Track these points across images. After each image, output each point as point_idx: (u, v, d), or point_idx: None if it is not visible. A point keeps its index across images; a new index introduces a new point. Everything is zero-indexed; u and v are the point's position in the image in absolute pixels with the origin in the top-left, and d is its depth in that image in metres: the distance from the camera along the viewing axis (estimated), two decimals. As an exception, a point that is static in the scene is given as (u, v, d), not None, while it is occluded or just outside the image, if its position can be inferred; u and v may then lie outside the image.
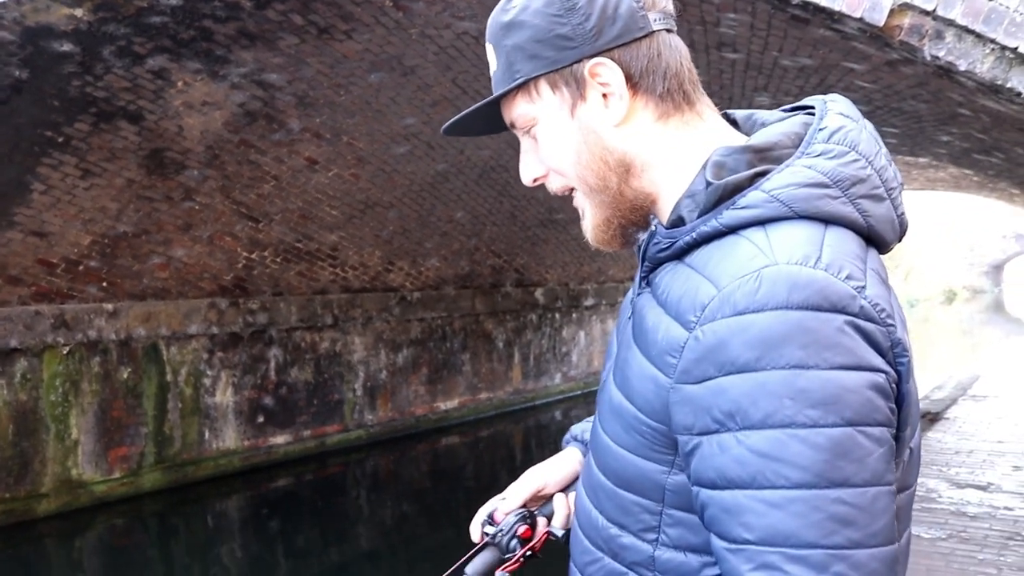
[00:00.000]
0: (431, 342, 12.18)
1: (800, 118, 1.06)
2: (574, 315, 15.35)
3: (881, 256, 1.05)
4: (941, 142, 6.97)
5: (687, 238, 1.01)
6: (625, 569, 1.08)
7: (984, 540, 5.22)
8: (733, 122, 1.15)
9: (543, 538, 1.29)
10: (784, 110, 1.12)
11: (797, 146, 1.01)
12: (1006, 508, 5.87)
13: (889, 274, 1.05)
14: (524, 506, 1.34)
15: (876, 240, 1.01)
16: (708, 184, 1.01)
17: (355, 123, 8.09)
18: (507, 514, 1.31)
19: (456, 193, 10.44)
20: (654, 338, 1.00)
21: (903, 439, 0.97)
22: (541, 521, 1.31)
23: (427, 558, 7.40)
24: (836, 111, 1.04)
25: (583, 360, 15.67)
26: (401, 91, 7.61)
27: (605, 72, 1.06)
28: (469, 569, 1.28)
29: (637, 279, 1.14)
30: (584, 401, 15.31)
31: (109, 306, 8.43)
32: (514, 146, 9.72)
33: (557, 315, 14.86)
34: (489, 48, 1.13)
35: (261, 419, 9.83)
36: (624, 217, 1.11)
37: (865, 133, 1.02)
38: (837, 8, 3.85)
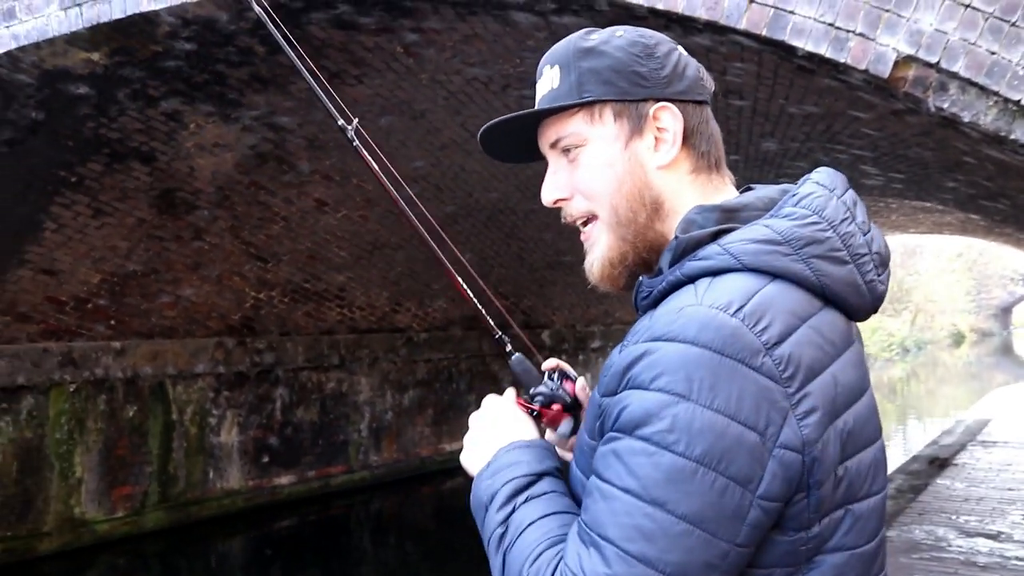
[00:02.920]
0: (437, 383, 12.17)
1: (783, 186, 1.13)
2: (580, 357, 15.32)
3: (857, 322, 1.08)
4: (947, 188, 7.00)
5: (661, 286, 1.07)
6: None
7: (995, 591, 5.16)
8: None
9: (555, 419, 1.29)
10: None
11: (769, 209, 1.07)
12: (1017, 558, 5.79)
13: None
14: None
15: (839, 303, 1.04)
16: (676, 238, 1.07)
17: (364, 166, 8.15)
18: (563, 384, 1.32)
19: (464, 235, 10.49)
20: (604, 372, 1.06)
21: (817, 496, 0.99)
22: (569, 384, 1.32)
23: (430, 603, 7.32)
24: (814, 179, 1.10)
25: (589, 402, 15.61)
26: (410, 135, 7.70)
27: (668, 117, 1.14)
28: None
29: None
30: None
31: (117, 344, 8.46)
32: (522, 190, 9.79)
33: (564, 357, 14.79)
34: (551, 70, 1.18)
35: (266, 459, 9.80)
36: (639, 255, 1.16)
37: (835, 201, 1.07)
38: (842, 60, 3.90)
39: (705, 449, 0.93)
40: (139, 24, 5.28)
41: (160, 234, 7.86)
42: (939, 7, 3.80)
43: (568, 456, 1.26)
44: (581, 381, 1.36)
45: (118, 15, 5.18)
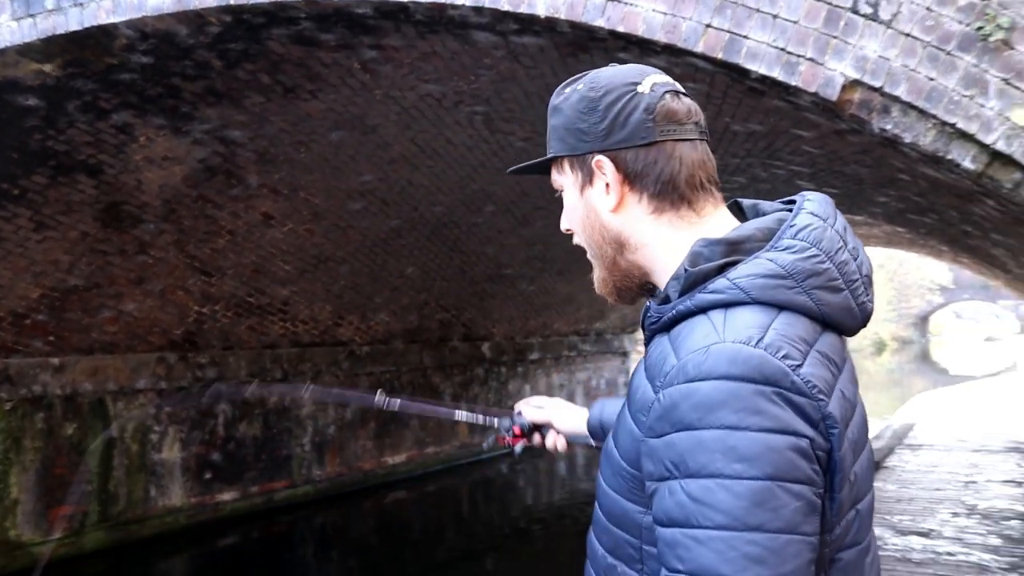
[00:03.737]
0: (379, 396, 12.13)
1: (778, 215, 1.24)
2: (520, 369, 15.46)
3: (846, 337, 1.22)
4: (878, 202, 7.36)
5: (670, 314, 1.19)
6: None
7: (931, 585, 5.44)
8: (741, 207, 1.32)
9: (516, 441, 1.85)
10: (782, 202, 1.29)
11: (768, 240, 1.18)
12: (948, 554, 6.12)
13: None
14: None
15: (834, 325, 1.18)
16: (686, 270, 1.18)
17: (313, 179, 8.19)
18: (523, 416, 1.86)
19: (408, 249, 10.55)
20: (635, 397, 1.18)
21: (839, 499, 1.12)
22: (537, 437, 1.85)
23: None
24: (808, 210, 1.20)
25: (528, 414, 15.74)
26: (361, 149, 7.75)
27: (605, 167, 1.26)
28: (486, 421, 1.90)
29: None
30: (530, 455, 15.33)
31: (55, 360, 8.28)
32: (467, 204, 9.91)
33: (503, 369, 14.96)
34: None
35: (208, 475, 9.67)
36: (618, 280, 1.32)
37: (830, 231, 1.19)
38: (793, 83, 4.13)
39: (773, 466, 1.02)
40: (96, 36, 5.25)
41: (104, 248, 7.74)
42: (882, 35, 4.06)
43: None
44: (525, 413, 1.86)
45: (75, 27, 5.15)
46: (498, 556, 10.00)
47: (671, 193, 1.25)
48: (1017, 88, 3.97)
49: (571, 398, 17.40)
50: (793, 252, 1.15)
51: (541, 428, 1.84)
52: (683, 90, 1.28)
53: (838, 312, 1.16)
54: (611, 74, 1.27)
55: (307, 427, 10.95)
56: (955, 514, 7.24)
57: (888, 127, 4.12)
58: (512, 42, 5.20)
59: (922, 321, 48.61)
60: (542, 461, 15.31)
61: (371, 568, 9.29)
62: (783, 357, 1.07)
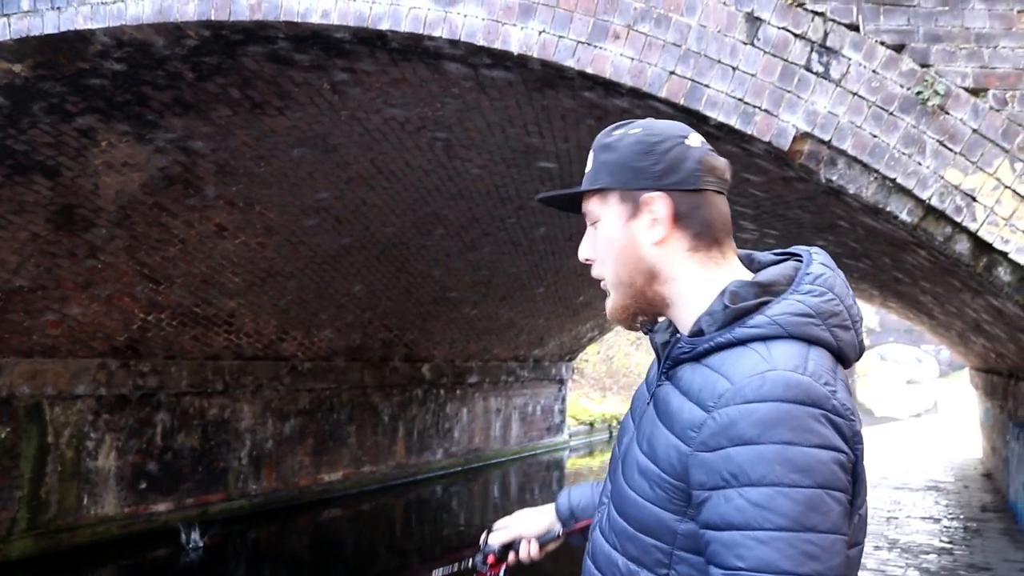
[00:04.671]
0: (319, 413, 12.15)
1: (792, 263, 1.44)
2: (458, 392, 15.57)
3: (845, 369, 1.44)
4: (816, 246, 7.72)
5: (706, 345, 1.37)
6: None
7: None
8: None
9: (498, 570, 1.85)
10: (775, 253, 1.51)
11: (790, 284, 1.38)
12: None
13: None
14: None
15: (842, 358, 1.39)
16: (726, 307, 1.37)
17: (270, 194, 8.25)
18: (493, 542, 1.86)
19: (356, 267, 10.63)
20: (678, 417, 1.35)
21: (856, 506, 1.33)
22: (511, 556, 1.85)
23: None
24: (819, 261, 1.42)
25: (465, 436, 15.85)
26: (320, 166, 7.85)
27: (656, 204, 1.43)
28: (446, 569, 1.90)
29: (656, 374, 1.50)
30: (464, 477, 15.43)
31: (-7, 362, 8.14)
32: (418, 226, 10.04)
33: (442, 391, 15.05)
34: (590, 154, 1.50)
35: (144, 485, 9.55)
36: (640, 308, 1.47)
37: (839, 279, 1.41)
38: (749, 131, 4.41)
39: (823, 476, 1.21)
40: (71, 41, 5.29)
41: (53, 250, 7.67)
42: (832, 92, 4.37)
43: None
44: (491, 539, 1.88)
45: (50, 30, 5.19)
46: (430, 577, 10.04)
47: (708, 235, 1.42)
48: (950, 149, 4.31)
49: (507, 423, 17.56)
50: (816, 296, 1.35)
51: (512, 545, 1.86)
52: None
53: (847, 347, 1.37)
54: (665, 125, 1.46)
55: (245, 440, 10.89)
56: (877, 547, 7.59)
57: (834, 178, 4.42)
58: (482, 74, 5.40)
59: (848, 362, 50.03)
60: (476, 483, 15.41)
61: (303, 585, 9.26)
62: (824, 384, 1.25)
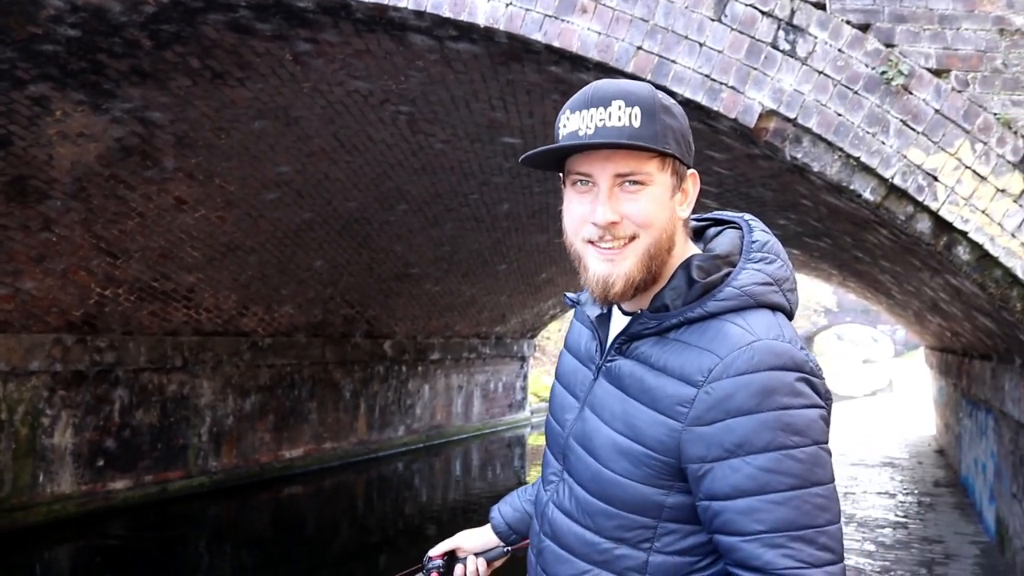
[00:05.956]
0: (279, 389, 12.05)
1: (732, 231, 1.47)
2: (420, 368, 15.54)
3: None
4: (778, 224, 7.79)
5: (674, 320, 1.38)
6: (617, 575, 1.39)
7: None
8: None
9: None
10: (698, 219, 1.54)
11: (737, 252, 1.42)
12: None
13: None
14: (454, 553, 1.88)
15: (790, 319, 1.44)
16: (692, 280, 1.38)
17: (230, 166, 8.11)
18: (436, 557, 1.86)
19: (318, 242, 10.51)
20: (661, 394, 1.35)
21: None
22: (459, 568, 1.84)
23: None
24: (759, 228, 1.47)
25: (426, 413, 15.84)
26: (281, 139, 7.73)
27: (694, 182, 1.46)
28: None
29: (595, 348, 1.49)
30: (426, 454, 15.43)
31: (-56, 337, 7.94)
32: (380, 201, 9.94)
33: (404, 367, 15.00)
34: (628, 108, 1.35)
35: (101, 463, 9.41)
36: (643, 281, 1.39)
37: (778, 243, 1.47)
38: (715, 108, 4.41)
39: (817, 433, 1.29)
40: (22, 4, 5.13)
41: (5, 223, 7.48)
42: (798, 71, 4.38)
43: None
44: (431, 553, 1.88)
45: (1, -6, 5.02)
46: (391, 552, 10.04)
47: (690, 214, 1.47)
48: (913, 129, 4.35)
49: (469, 400, 17.58)
50: (770, 263, 1.41)
51: (456, 555, 1.87)
52: None
53: (795, 308, 1.43)
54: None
55: (205, 417, 10.77)
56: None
57: (799, 155, 4.44)
58: (447, 47, 5.33)
59: (808, 341, 50.91)
60: (438, 460, 15.42)
61: (264, 562, 9.21)
62: (799, 348, 1.32)
